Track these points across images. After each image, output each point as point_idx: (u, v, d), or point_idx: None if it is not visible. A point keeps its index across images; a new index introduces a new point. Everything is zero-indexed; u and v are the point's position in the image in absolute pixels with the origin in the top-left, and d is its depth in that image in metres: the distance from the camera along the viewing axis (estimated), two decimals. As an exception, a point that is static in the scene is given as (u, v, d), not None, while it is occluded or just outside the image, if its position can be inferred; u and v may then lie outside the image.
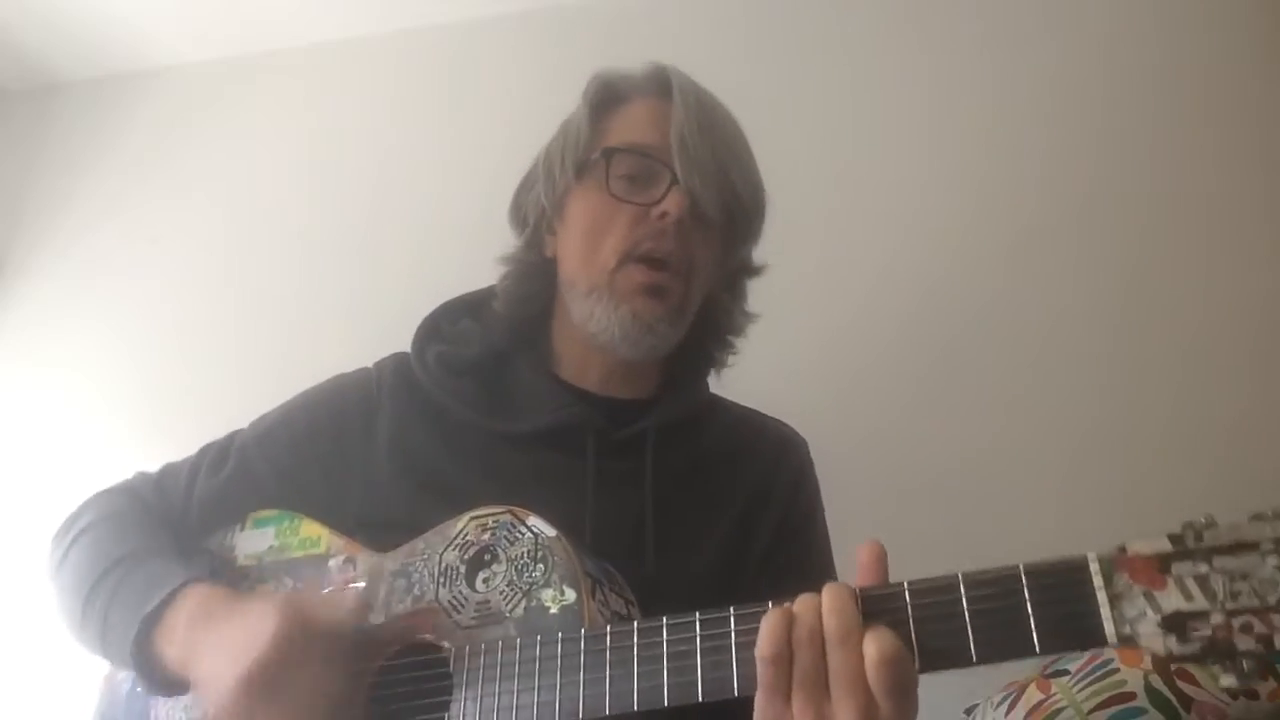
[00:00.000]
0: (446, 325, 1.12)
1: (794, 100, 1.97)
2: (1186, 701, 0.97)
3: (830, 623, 0.66)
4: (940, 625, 0.67)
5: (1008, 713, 1.14)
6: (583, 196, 1.03)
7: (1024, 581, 0.65)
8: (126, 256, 2.21)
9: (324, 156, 2.21)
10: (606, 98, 1.06)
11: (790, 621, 0.68)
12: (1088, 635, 0.63)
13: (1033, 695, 1.13)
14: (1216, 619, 0.61)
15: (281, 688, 0.77)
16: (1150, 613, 0.62)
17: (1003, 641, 0.65)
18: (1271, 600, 0.60)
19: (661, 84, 1.05)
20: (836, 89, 1.98)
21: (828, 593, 0.68)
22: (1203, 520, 0.64)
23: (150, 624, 0.86)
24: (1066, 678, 1.10)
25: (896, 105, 1.94)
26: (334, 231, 2.12)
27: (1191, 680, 0.98)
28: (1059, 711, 1.06)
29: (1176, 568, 0.63)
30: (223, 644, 0.80)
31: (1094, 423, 1.63)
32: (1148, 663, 1.02)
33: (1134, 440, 1.60)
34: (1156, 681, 1.00)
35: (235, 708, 0.77)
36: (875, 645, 0.64)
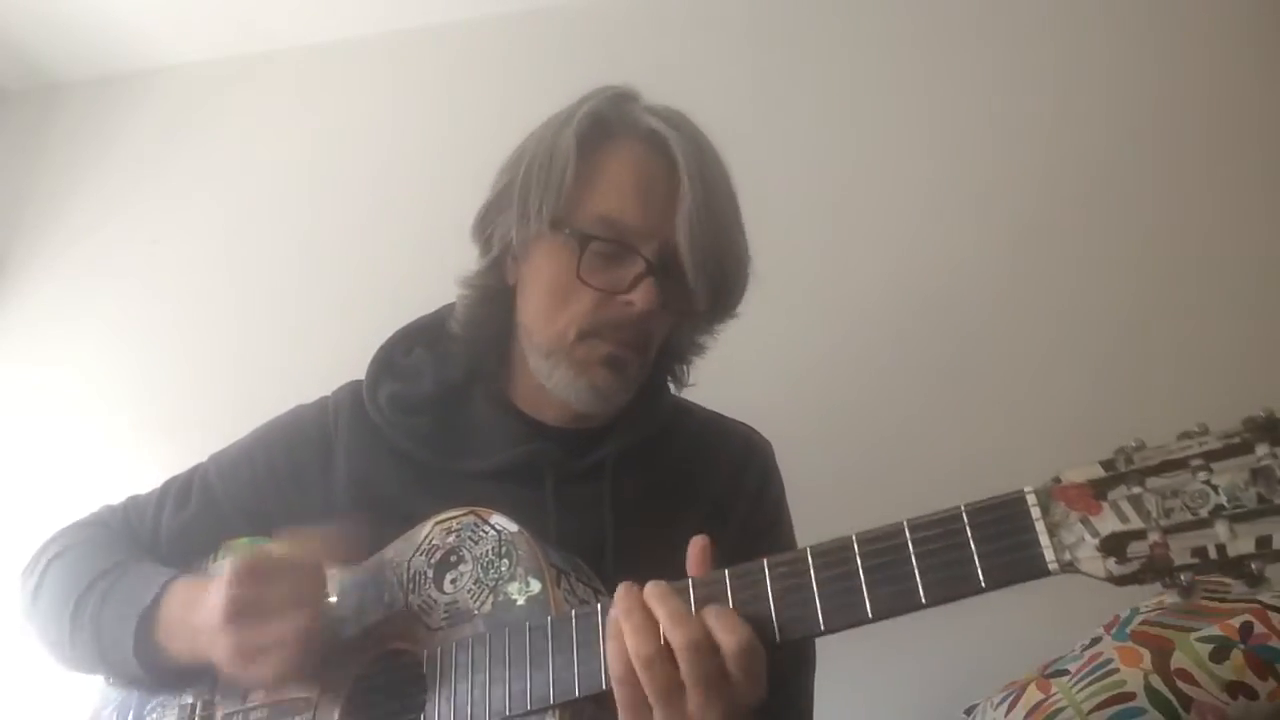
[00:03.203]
0: (400, 358, 1.10)
1: (794, 101, 1.97)
2: (1186, 701, 0.97)
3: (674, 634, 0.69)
4: (889, 572, 0.68)
5: (1008, 713, 1.14)
6: (551, 252, 0.98)
7: (966, 521, 0.67)
8: (127, 256, 2.22)
9: (324, 156, 2.21)
10: (598, 132, 0.99)
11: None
12: (1030, 565, 0.65)
13: (1033, 695, 1.13)
14: (1153, 537, 0.62)
15: (256, 612, 0.81)
16: (1088, 537, 0.64)
17: (950, 582, 0.67)
18: (1203, 513, 0.61)
19: (657, 143, 0.99)
20: (837, 89, 1.98)
21: (653, 599, 0.71)
22: (1133, 444, 0.65)
23: (147, 626, 0.89)
24: (1066, 678, 1.10)
25: (898, 106, 1.94)
26: (334, 231, 2.12)
27: (1191, 680, 0.98)
28: (1059, 711, 1.06)
29: (1111, 493, 0.64)
30: (206, 611, 0.84)
31: (1096, 428, 1.62)
32: (1148, 663, 1.02)
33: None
34: (1156, 681, 1.00)
35: (230, 649, 0.81)
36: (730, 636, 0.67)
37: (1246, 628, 1.00)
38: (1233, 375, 1.60)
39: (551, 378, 0.99)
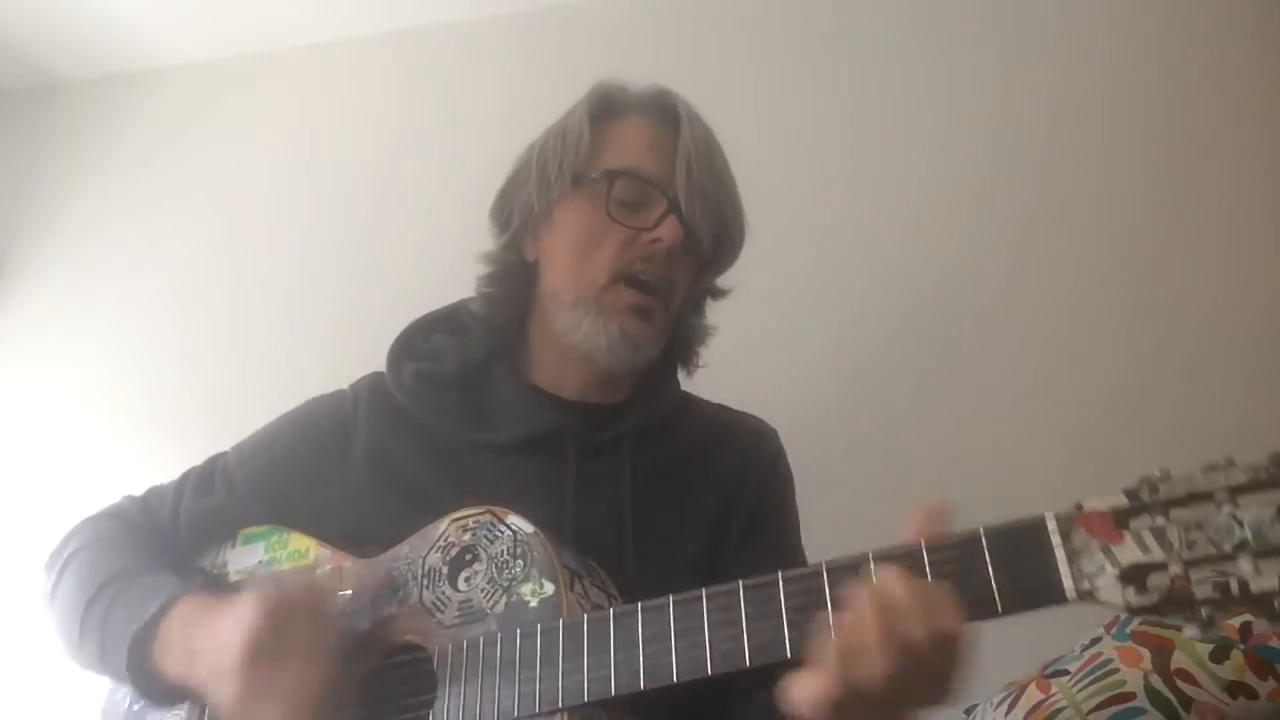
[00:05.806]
0: (420, 342, 1.13)
1: (792, 94, 1.97)
2: (1186, 701, 0.97)
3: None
4: None
5: (1008, 713, 1.14)
6: (575, 208, 1.04)
7: (984, 544, 0.67)
8: (126, 257, 2.21)
9: (323, 157, 2.21)
10: (606, 109, 1.08)
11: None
12: (1047, 593, 0.64)
13: (1032, 695, 1.12)
14: (1174, 569, 0.61)
15: (276, 656, 0.79)
16: (1109, 567, 0.63)
17: (966, 604, 0.65)
18: (1227, 548, 0.60)
19: (664, 109, 1.07)
20: (836, 85, 1.98)
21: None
22: (1158, 474, 0.64)
23: (144, 639, 0.88)
24: (1066, 678, 1.10)
25: (896, 97, 1.94)
26: (333, 231, 2.12)
27: (1191, 680, 0.98)
28: (1059, 712, 1.06)
29: (1134, 522, 0.63)
30: (216, 641, 0.82)
31: (1092, 422, 1.62)
32: (1148, 663, 1.02)
33: (1132, 437, 1.59)
34: (1156, 681, 0.99)
35: (241, 690, 0.79)
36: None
37: (1246, 628, 1.00)
38: (1227, 370, 1.60)
39: (580, 328, 1.02)
